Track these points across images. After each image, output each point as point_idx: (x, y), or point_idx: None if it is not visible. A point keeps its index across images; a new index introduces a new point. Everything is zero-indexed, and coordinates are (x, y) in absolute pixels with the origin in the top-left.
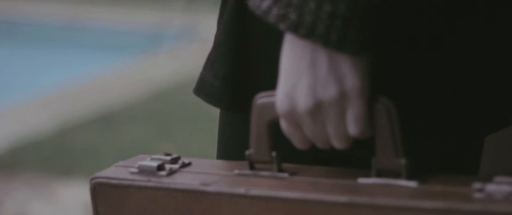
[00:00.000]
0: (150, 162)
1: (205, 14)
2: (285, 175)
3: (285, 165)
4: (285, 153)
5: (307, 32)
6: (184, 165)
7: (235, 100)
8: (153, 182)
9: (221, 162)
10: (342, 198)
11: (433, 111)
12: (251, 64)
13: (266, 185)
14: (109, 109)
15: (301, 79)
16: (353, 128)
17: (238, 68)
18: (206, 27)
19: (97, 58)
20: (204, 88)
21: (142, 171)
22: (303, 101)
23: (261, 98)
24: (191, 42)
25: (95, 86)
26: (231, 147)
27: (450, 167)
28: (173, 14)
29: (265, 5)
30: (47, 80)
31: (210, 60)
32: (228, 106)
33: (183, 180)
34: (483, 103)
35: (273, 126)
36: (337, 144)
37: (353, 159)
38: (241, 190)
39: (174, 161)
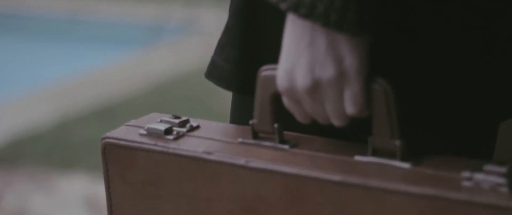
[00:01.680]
0: (159, 125)
1: (206, 7)
2: (286, 146)
3: (287, 135)
4: (288, 124)
5: (307, 12)
6: (192, 129)
7: (245, 84)
8: (159, 146)
9: (227, 127)
10: (336, 177)
11: (446, 96)
12: (261, 48)
13: (266, 157)
14: (110, 102)
15: (300, 58)
16: (350, 107)
17: (248, 52)
18: (207, 20)
19: (97, 52)
20: (215, 72)
21: (150, 133)
22: (301, 80)
23: (265, 71)
24: (191, 36)
25: (95, 79)
26: None
27: (464, 153)
28: (173, 8)
29: None
30: (48, 74)
31: (221, 44)
32: (238, 89)
33: (188, 146)
34: (497, 90)
35: (276, 98)
36: (335, 121)
37: (352, 135)
38: (241, 161)
39: (182, 124)
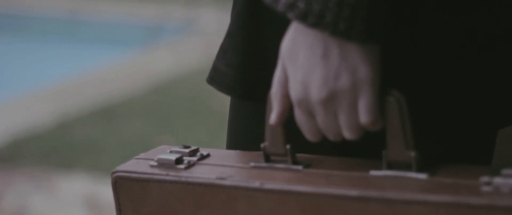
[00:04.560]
0: (169, 155)
1: (205, 7)
2: (300, 167)
3: (299, 156)
4: (298, 146)
5: (315, 21)
6: (202, 157)
7: (247, 89)
8: (171, 175)
9: (237, 153)
10: (353, 192)
11: (446, 103)
12: (263, 53)
13: (280, 179)
14: (110, 102)
15: (315, 69)
16: (364, 117)
17: (251, 57)
18: (206, 20)
19: (97, 52)
20: (217, 77)
21: (161, 164)
22: (316, 92)
23: None
24: (191, 36)
25: (95, 79)
26: (241, 136)
27: (463, 160)
28: (173, 8)
29: None
30: (48, 74)
31: (223, 49)
32: (240, 95)
33: (201, 173)
34: (497, 97)
35: (288, 119)
36: (348, 134)
37: (364, 152)
38: (256, 184)
39: (193, 153)
